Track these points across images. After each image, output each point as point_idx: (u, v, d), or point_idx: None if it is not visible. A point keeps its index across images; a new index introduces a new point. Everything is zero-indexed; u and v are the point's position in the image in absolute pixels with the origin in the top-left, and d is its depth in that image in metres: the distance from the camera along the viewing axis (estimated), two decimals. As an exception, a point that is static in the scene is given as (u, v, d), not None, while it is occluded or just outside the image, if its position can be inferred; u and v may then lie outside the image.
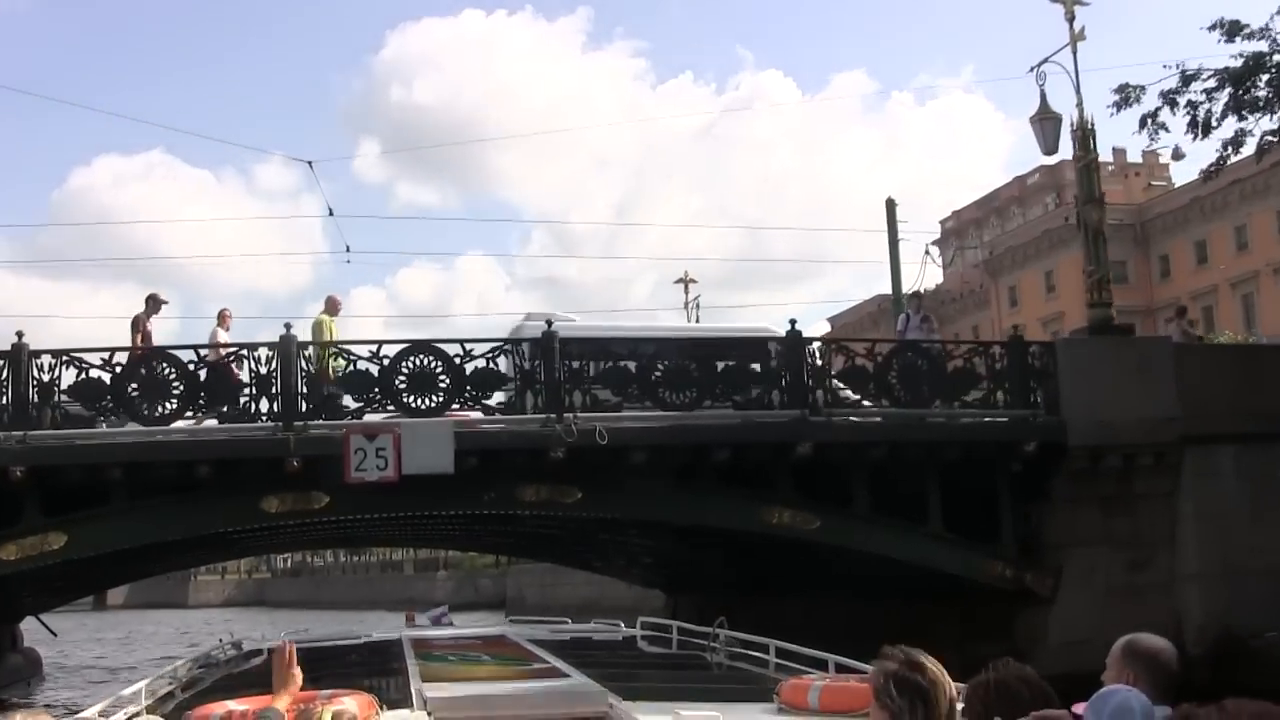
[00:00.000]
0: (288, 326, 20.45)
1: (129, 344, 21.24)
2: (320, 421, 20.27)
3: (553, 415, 20.64)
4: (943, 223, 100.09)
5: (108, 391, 19.96)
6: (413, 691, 8.56)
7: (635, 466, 21.18)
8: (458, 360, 20.75)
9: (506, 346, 21.26)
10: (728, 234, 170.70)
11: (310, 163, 28.87)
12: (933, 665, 4.12)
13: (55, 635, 37.42)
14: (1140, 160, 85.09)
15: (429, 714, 7.86)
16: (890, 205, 42.98)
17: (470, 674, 9.71)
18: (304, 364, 20.25)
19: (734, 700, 8.47)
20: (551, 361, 20.86)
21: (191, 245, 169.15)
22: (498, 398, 21.19)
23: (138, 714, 8.52)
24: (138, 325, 21.95)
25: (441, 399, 20.60)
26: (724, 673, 10.65)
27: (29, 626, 37.57)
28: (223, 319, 22.39)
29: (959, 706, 4.24)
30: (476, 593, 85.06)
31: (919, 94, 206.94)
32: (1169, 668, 4.92)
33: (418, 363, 20.65)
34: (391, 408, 20.61)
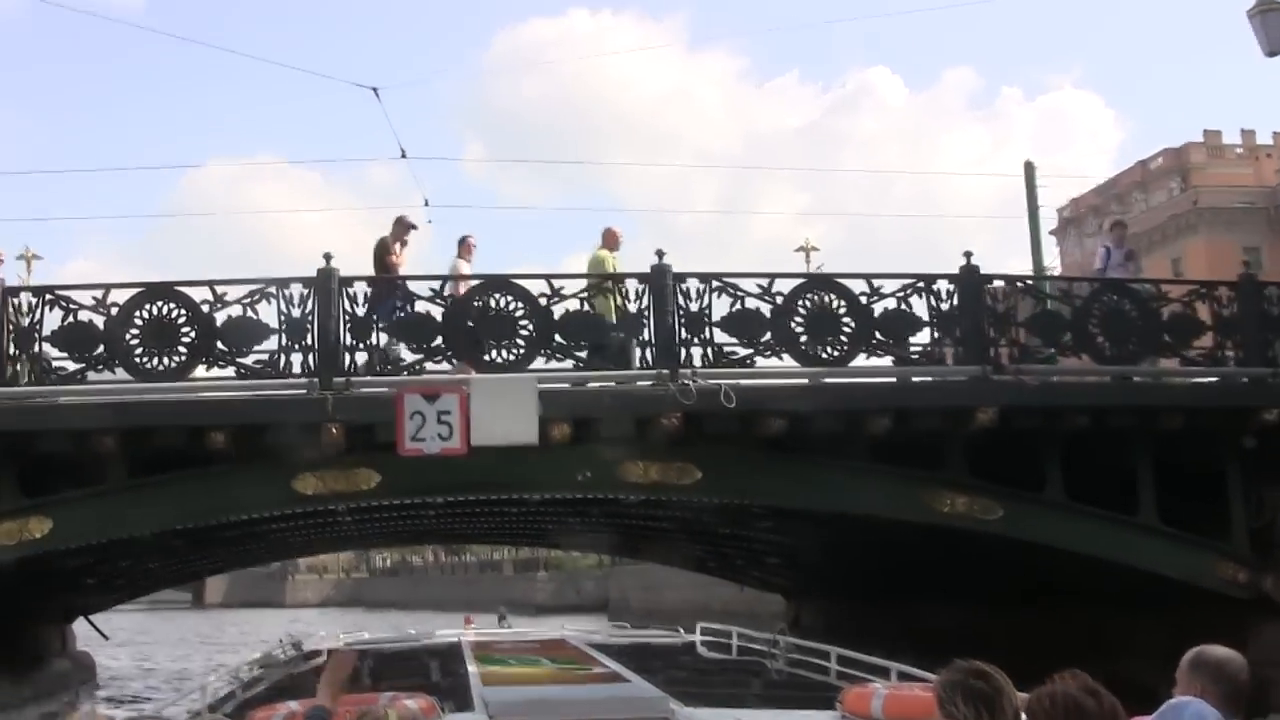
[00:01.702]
0: (328, 258, 15.67)
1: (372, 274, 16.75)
2: (367, 378, 15.49)
3: (665, 371, 15.70)
4: (1060, 211, 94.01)
5: (100, 339, 15.32)
6: (473, 694, 8.29)
7: (770, 439, 16.17)
8: (543, 301, 15.90)
9: (608, 285, 16.29)
10: (833, 231, 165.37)
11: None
12: (998, 674, 4.02)
13: (106, 639, 33.18)
14: (1271, 142, 78.81)
15: (489, 717, 7.55)
16: (1029, 170, 37.97)
17: (530, 677, 9.42)
18: (347, 304, 15.47)
19: (795, 707, 8.43)
20: (664, 302, 15.91)
21: (300, 244, 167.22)
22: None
23: (198, 714, 8.45)
24: (385, 251, 17.22)
25: (523, 350, 15.74)
26: (785, 679, 10.13)
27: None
28: (466, 248, 17.34)
29: (1023, 718, 3.99)
30: (578, 595, 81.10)
31: (1028, 89, 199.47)
32: (1237, 679, 4.66)
33: (492, 303, 15.82)
34: (457, 361, 15.81)
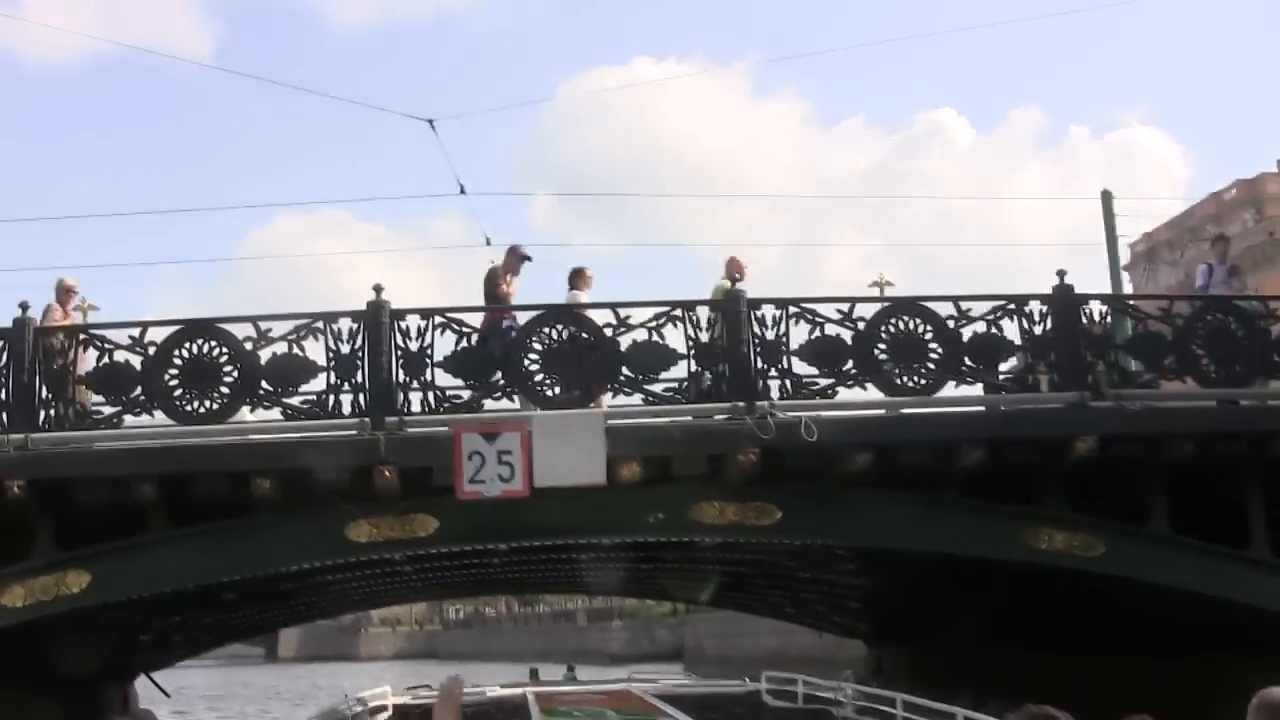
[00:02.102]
0: (378, 290, 14.62)
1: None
2: (421, 416, 14.40)
3: (741, 404, 14.52)
4: (1133, 246, 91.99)
5: (138, 380, 14.33)
6: None
7: (853, 475, 14.93)
8: (609, 331, 14.77)
9: (675, 312, 15.12)
10: (902, 273, 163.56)
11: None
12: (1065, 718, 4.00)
13: (168, 696, 32.19)
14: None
15: None
16: (1106, 198, 36.67)
17: None
18: (399, 339, 14.42)
19: None
20: (739, 330, 14.75)
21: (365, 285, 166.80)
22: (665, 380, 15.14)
23: None
24: (495, 281, 15.95)
25: (588, 383, 14.64)
26: None
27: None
28: (584, 279, 16.08)
29: None
30: (653, 644, 79.89)
31: (1095, 127, 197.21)
32: None
33: (555, 334, 14.72)
34: (518, 396, 14.72)
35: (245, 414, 14.42)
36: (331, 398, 14.29)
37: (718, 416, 14.72)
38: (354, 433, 14.16)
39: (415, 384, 14.42)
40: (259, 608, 26.03)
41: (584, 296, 15.80)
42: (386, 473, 13.87)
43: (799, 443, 14.27)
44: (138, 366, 14.30)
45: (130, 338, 14.38)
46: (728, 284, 16.02)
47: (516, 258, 16.33)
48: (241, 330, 14.48)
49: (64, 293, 16.07)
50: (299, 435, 14.36)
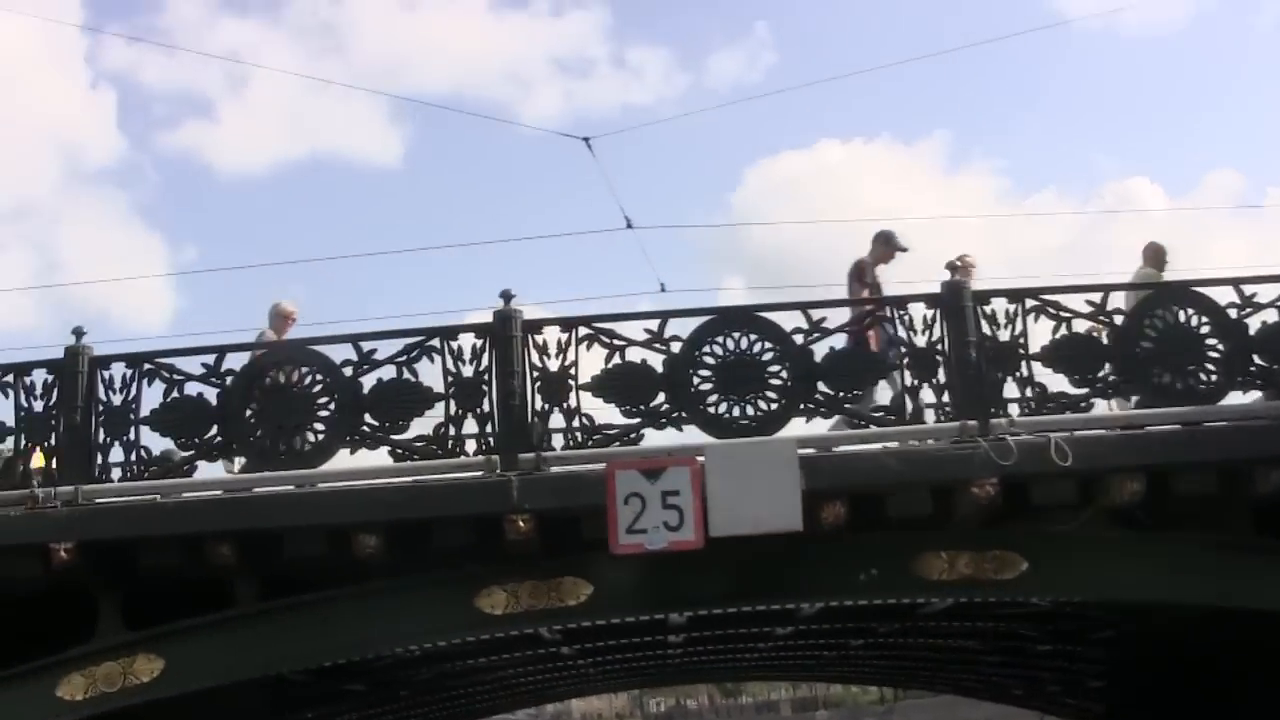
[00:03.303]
0: (507, 297, 11.47)
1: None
2: (563, 452, 11.19)
3: (972, 422, 11.08)
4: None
5: (213, 417, 11.35)
6: None
7: (1118, 509, 11.34)
8: (800, 339, 11.45)
9: (884, 311, 11.71)
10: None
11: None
12: None
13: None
14: None
15: None
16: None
17: None
18: (535, 356, 11.27)
19: None
20: (963, 330, 11.34)
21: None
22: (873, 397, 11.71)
23: None
24: (860, 274, 13.47)
25: (777, 404, 11.31)
26: None
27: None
28: (967, 268, 12.96)
29: None
30: (860, 735, 74.92)
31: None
32: None
33: (731, 345, 11.43)
34: (686, 421, 11.39)
35: (344, 456, 11.33)
36: (451, 431, 11.15)
37: (940, 441, 11.27)
38: (479, 474, 11.00)
39: (556, 410, 11.23)
40: (404, 702, 22.52)
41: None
42: (521, 523, 10.66)
43: (1049, 469, 10.80)
44: (213, 401, 11.35)
45: (204, 366, 11.41)
46: (1152, 273, 13.02)
47: (889, 247, 13.58)
48: (339, 353, 11.45)
49: (280, 319, 13.36)
50: (410, 479, 11.19)
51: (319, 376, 11.35)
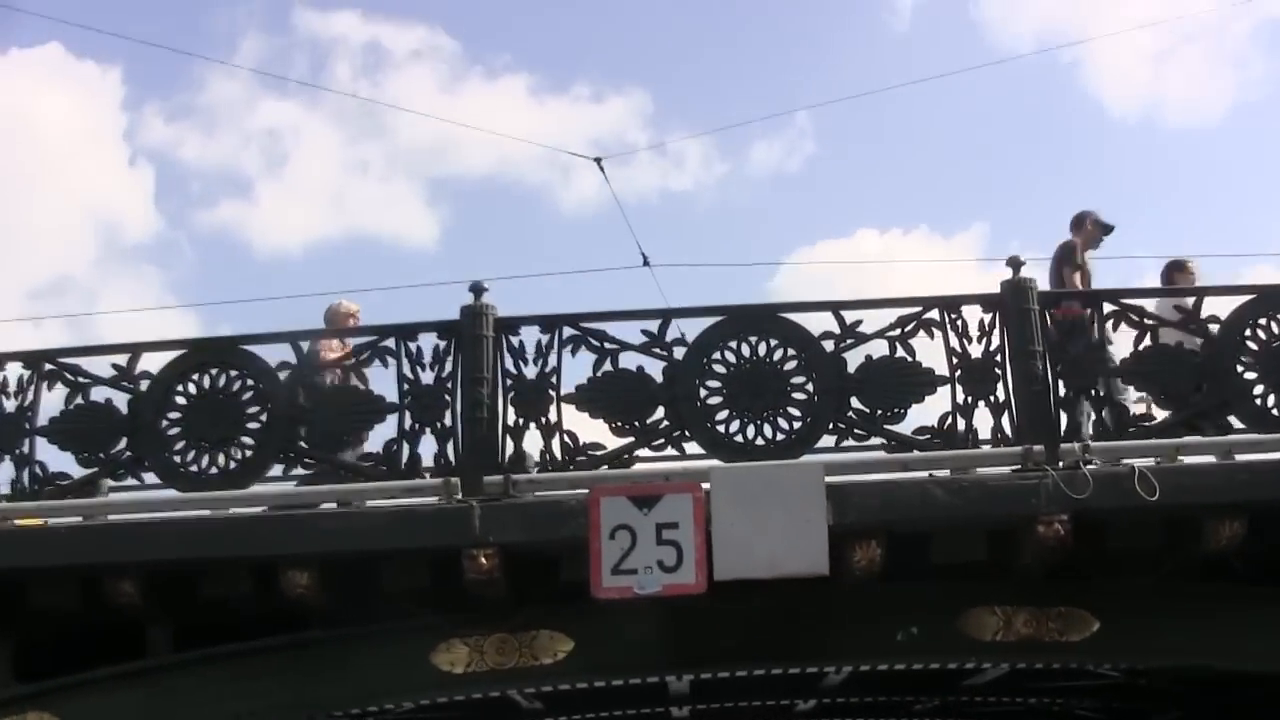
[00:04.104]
0: (478, 291, 9.50)
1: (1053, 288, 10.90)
2: (535, 475, 9.15)
3: (1037, 447, 9.01)
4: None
5: (123, 428, 9.38)
6: None
7: (1212, 554, 9.20)
8: (829, 345, 9.43)
9: (931, 313, 9.58)
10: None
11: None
12: None
13: None
14: None
15: None
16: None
17: None
18: (509, 360, 9.28)
19: None
20: (1024, 337, 9.28)
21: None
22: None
23: None
24: (1066, 258, 11.47)
25: (800, 423, 9.26)
26: None
27: None
28: (1188, 274, 11.35)
29: None
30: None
31: None
32: None
33: (747, 351, 9.41)
34: (690, 440, 9.35)
35: (277, 476, 9.35)
36: (404, 448, 9.16)
37: (999, 470, 9.19)
38: (436, 499, 8.97)
39: (532, 425, 9.20)
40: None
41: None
42: (483, 559, 8.59)
43: (1130, 504, 8.69)
44: (124, 409, 9.39)
45: (115, 368, 9.46)
46: None
47: (1097, 227, 11.73)
48: (275, 354, 9.50)
49: (340, 317, 11.18)
50: (354, 507, 9.18)
51: (249, 381, 9.39)
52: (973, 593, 9.34)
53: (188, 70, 77.06)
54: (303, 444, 9.29)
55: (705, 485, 8.69)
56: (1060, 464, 8.88)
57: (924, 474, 9.13)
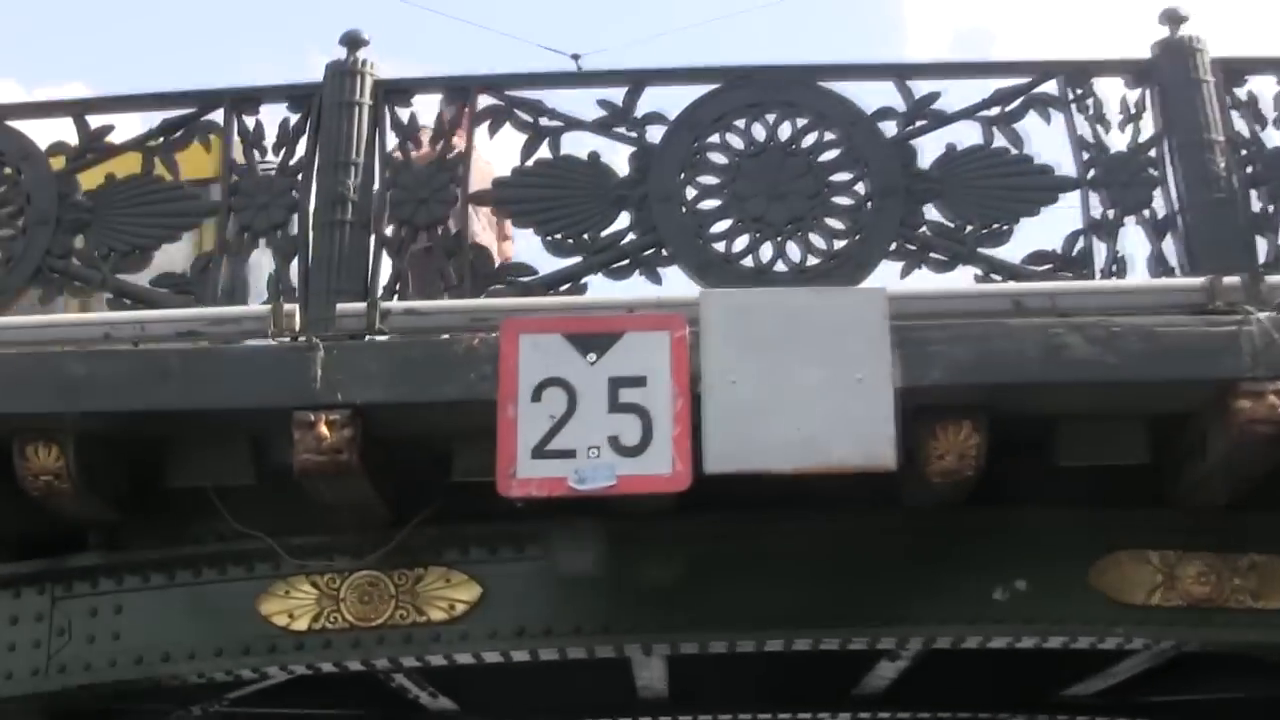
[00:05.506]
0: (353, 43, 6.03)
1: None
2: (419, 304, 5.72)
3: (1231, 280, 5.44)
4: None
5: None
6: None
7: None
8: (892, 129, 5.96)
9: (1048, 86, 6.13)
10: None
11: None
12: None
13: None
14: None
15: None
16: None
17: None
18: (396, 144, 5.94)
19: None
20: (1195, 114, 5.83)
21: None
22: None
23: None
24: None
25: (846, 240, 5.79)
26: None
27: None
28: None
29: None
30: None
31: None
32: None
33: (762, 133, 5.95)
34: (671, 262, 5.90)
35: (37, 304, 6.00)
36: (223, 265, 5.76)
37: (1167, 315, 5.66)
38: (265, 340, 5.54)
39: (423, 234, 5.81)
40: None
41: None
42: (323, 428, 5.07)
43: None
44: None
45: None
46: None
47: None
48: (52, 129, 6.18)
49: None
50: (144, 345, 5.73)
51: (7, 170, 6.05)
52: (1117, 525, 5.79)
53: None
54: (75, 260, 5.90)
55: (690, 318, 5.21)
56: (1260, 297, 5.39)
57: (1046, 321, 5.56)
